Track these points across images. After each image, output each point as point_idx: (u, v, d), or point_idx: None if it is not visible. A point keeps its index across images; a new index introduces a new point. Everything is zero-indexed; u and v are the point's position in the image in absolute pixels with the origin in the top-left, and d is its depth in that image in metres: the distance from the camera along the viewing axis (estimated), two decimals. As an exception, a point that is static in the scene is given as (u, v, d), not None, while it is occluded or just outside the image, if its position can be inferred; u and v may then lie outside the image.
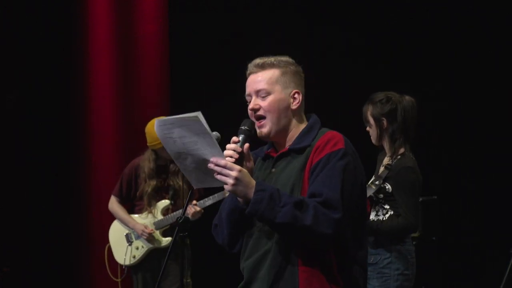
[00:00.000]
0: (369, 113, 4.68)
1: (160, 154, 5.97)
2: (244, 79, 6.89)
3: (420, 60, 6.89)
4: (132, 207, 6.13)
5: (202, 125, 2.81)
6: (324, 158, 2.96)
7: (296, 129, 3.11)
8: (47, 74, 7.31)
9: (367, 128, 4.73)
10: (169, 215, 5.97)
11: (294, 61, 3.15)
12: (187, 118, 2.81)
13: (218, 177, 2.87)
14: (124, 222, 6.07)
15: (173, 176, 5.99)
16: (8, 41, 7.20)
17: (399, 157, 4.64)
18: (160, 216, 5.98)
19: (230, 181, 2.85)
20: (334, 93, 6.58)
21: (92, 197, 7.03)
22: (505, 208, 6.51)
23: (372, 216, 4.65)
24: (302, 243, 2.95)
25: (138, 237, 6.00)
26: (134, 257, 6.01)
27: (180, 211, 5.82)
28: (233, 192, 2.89)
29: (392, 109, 4.65)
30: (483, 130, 6.67)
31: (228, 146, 2.96)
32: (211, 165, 2.86)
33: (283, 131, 3.10)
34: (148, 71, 7.40)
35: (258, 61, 3.13)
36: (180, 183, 5.93)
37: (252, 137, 3.05)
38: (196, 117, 2.80)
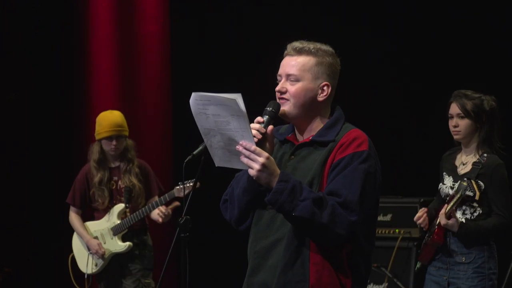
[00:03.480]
0: (469, 106, 4.67)
1: (104, 148, 5.86)
2: (246, 79, 6.92)
3: (425, 59, 6.90)
4: (92, 213, 6.01)
5: (239, 107, 2.80)
6: (347, 157, 2.97)
7: (320, 120, 3.11)
8: (48, 74, 7.31)
9: (454, 123, 4.70)
10: (127, 218, 5.80)
11: (333, 51, 3.13)
12: (225, 99, 2.80)
13: (245, 160, 2.86)
14: (80, 236, 5.98)
15: (125, 176, 5.83)
16: (9, 41, 7.20)
17: (485, 155, 4.64)
18: (117, 221, 5.83)
19: (257, 166, 2.84)
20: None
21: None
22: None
23: (459, 215, 4.65)
24: (314, 239, 2.95)
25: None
26: (96, 265, 5.91)
27: (137, 213, 5.76)
28: (256, 178, 2.88)
29: (493, 108, 4.68)
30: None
31: (252, 125, 2.95)
32: (239, 148, 2.86)
33: (305, 118, 3.10)
34: (149, 71, 7.40)
35: (297, 44, 3.10)
36: (135, 181, 5.81)
37: (276, 119, 3.06)
38: (234, 99, 2.79)
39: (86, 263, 5.95)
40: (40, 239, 7.21)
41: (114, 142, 5.82)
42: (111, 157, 5.90)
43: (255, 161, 2.85)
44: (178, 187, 5.62)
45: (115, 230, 5.83)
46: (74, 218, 6.00)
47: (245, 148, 2.85)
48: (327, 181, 2.98)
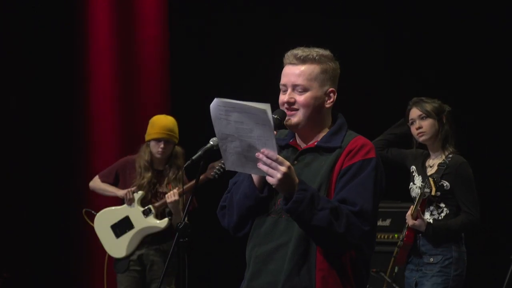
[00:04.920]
0: (428, 107, 4.80)
1: (151, 149, 5.83)
2: (246, 82, 6.88)
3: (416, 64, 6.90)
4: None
5: (268, 118, 2.78)
6: (356, 164, 2.98)
7: (323, 126, 3.12)
8: (48, 79, 7.31)
9: (418, 125, 4.82)
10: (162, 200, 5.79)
11: (333, 56, 3.13)
12: (254, 108, 2.79)
13: (265, 168, 2.83)
14: (106, 192, 5.90)
15: (174, 183, 5.78)
16: (9, 45, 7.20)
17: (450, 155, 4.75)
18: (140, 207, 5.80)
19: (278, 175, 2.82)
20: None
21: (93, 203, 7.01)
22: (505, 214, 6.50)
23: (427, 216, 4.73)
24: (326, 247, 2.96)
25: (124, 231, 5.85)
26: (128, 246, 5.83)
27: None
28: (277, 187, 2.87)
29: (449, 111, 4.83)
30: (482, 133, 6.66)
31: None
32: (260, 155, 2.83)
33: (312, 126, 3.10)
34: (148, 75, 7.40)
35: (299, 53, 3.08)
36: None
37: (281, 127, 3.07)
38: (265, 110, 2.78)
39: (118, 247, 5.87)
40: (40, 244, 7.21)
41: (162, 145, 5.79)
42: (157, 160, 5.86)
43: (276, 170, 2.83)
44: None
45: (152, 209, 5.78)
46: (98, 181, 5.94)
47: (267, 157, 2.83)
48: (335, 187, 2.99)
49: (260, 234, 3.06)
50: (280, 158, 2.83)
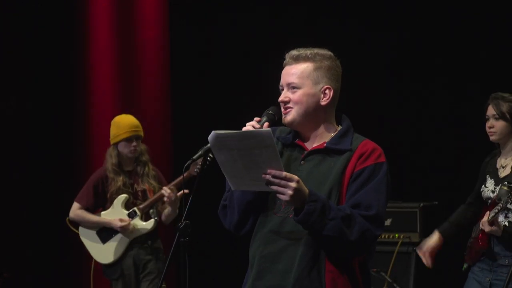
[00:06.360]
0: (504, 108, 4.76)
1: (120, 150, 5.82)
2: (246, 83, 6.88)
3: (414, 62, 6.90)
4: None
5: (272, 141, 2.81)
6: (369, 168, 3.01)
7: (326, 125, 3.13)
8: (48, 79, 7.31)
9: (490, 124, 4.79)
10: (149, 199, 5.79)
11: (332, 54, 3.14)
12: (256, 132, 2.83)
13: (274, 188, 2.86)
14: (96, 224, 5.83)
15: (144, 179, 5.82)
16: (9, 46, 7.20)
17: None
18: (124, 210, 5.78)
19: (290, 192, 2.85)
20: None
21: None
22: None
23: (501, 219, 4.67)
24: (340, 253, 2.98)
25: (110, 236, 5.81)
26: (115, 252, 5.81)
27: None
28: (289, 202, 2.89)
29: None
30: (483, 135, 6.65)
31: (248, 123, 3.03)
32: (267, 176, 2.85)
33: (310, 124, 3.12)
34: (148, 76, 7.40)
35: (294, 52, 3.13)
36: (155, 183, 5.81)
37: (274, 122, 3.11)
38: (268, 131, 2.81)
39: (105, 253, 5.85)
40: (40, 244, 7.20)
41: (134, 143, 5.79)
42: (127, 160, 5.86)
43: (287, 187, 2.85)
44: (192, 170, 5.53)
45: (137, 211, 5.78)
46: (81, 212, 5.85)
47: (275, 176, 2.84)
48: (347, 190, 3.01)
49: (266, 233, 3.06)
50: (288, 174, 2.86)
